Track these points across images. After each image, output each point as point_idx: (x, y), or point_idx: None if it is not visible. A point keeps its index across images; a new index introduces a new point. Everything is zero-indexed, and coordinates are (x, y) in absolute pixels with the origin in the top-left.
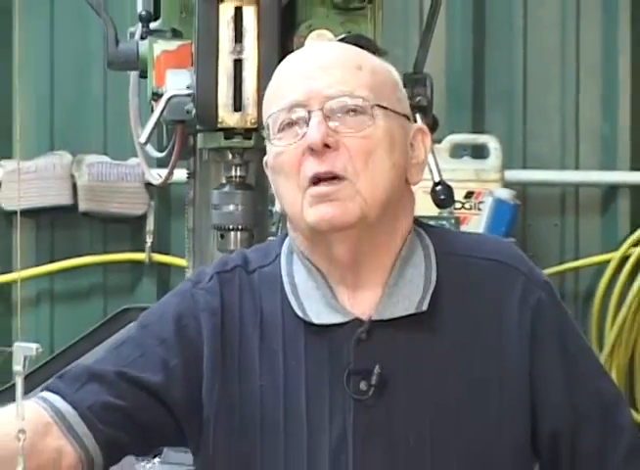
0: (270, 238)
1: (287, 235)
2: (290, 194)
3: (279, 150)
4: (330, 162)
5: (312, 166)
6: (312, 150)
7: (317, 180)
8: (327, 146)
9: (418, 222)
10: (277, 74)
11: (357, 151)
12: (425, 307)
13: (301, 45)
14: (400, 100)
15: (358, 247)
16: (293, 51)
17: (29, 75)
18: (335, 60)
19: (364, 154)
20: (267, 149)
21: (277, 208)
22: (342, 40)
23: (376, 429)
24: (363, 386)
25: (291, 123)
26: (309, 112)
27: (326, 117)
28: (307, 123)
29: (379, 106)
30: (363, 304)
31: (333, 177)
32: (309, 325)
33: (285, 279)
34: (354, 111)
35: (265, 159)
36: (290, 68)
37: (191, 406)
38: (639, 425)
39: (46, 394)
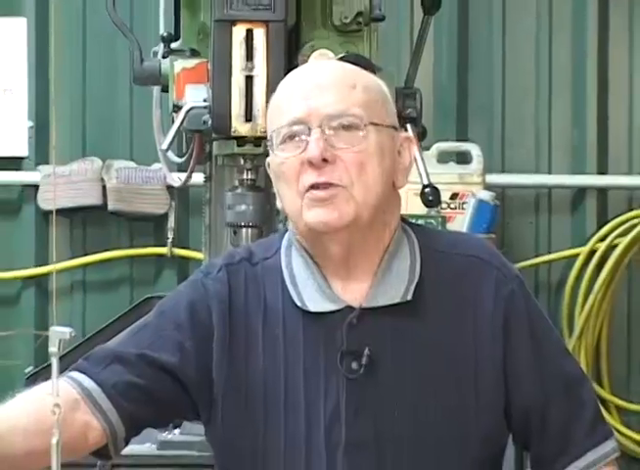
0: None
1: (287, 230)
2: (290, 197)
3: (281, 160)
4: (327, 174)
5: (311, 178)
6: (311, 163)
7: (316, 186)
8: (325, 160)
9: (405, 221)
10: (280, 91)
11: (352, 163)
12: (409, 297)
13: (305, 63)
14: (389, 112)
15: (350, 245)
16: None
17: (64, 90)
18: (331, 79)
19: (358, 165)
20: (270, 158)
21: (278, 205)
22: (341, 59)
23: (365, 403)
24: (354, 366)
25: (292, 136)
26: (309, 128)
27: (323, 134)
28: (307, 139)
29: (371, 123)
30: (354, 293)
31: (328, 185)
32: (306, 312)
33: (284, 271)
34: (349, 127)
35: (268, 160)
36: (291, 85)
37: (203, 384)
38: (603, 400)
39: (74, 373)
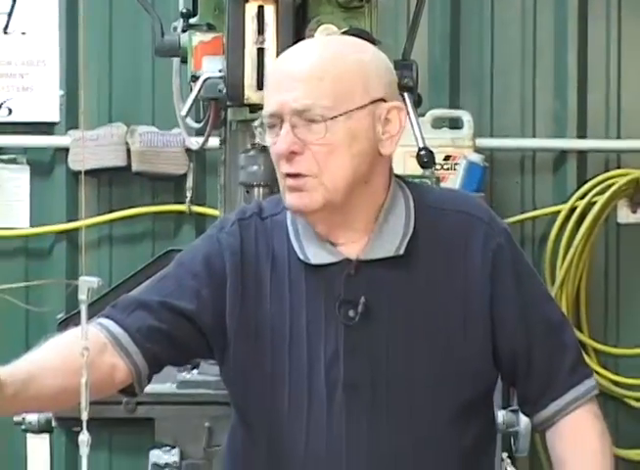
0: None
1: None
2: (278, 176)
3: (268, 143)
4: (296, 165)
5: (283, 168)
6: (281, 155)
7: (288, 175)
8: (293, 152)
9: (402, 179)
10: (267, 78)
11: (319, 153)
12: (402, 252)
13: (311, 37)
14: (370, 90)
15: (331, 222)
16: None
17: (92, 62)
18: (302, 72)
19: (325, 155)
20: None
21: None
22: (344, 33)
23: (361, 347)
24: (351, 313)
25: (271, 126)
26: (281, 121)
27: (293, 127)
28: (279, 132)
29: (340, 114)
30: (352, 247)
31: (299, 174)
32: (308, 264)
33: (289, 227)
34: (315, 121)
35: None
36: (272, 75)
37: (217, 327)
38: (582, 343)
39: (102, 320)
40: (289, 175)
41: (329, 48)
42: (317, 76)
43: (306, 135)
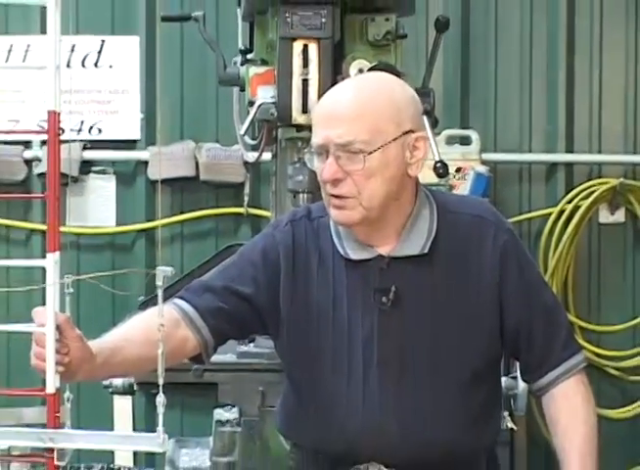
0: None
1: None
2: (322, 193)
3: (315, 166)
4: (339, 188)
5: (329, 190)
6: (327, 181)
7: (333, 195)
8: (338, 179)
9: (428, 189)
10: (315, 110)
11: (358, 179)
12: (426, 250)
13: (347, 70)
14: (401, 122)
15: (368, 231)
16: (342, 74)
17: (167, 90)
18: (345, 111)
19: (363, 181)
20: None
21: None
22: (373, 68)
23: (392, 328)
24: (384, 300)
25: (319, 154)
26: (327, 152)
27: (337, 159)
28: (325, 162)
29: (375, 149)
30: (385, 246)
31: (342, 196)
32: (348, 260)
33: (332, 228)
34: (356, 153)
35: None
36: (319, 112)
37: (272, 309)
38: (570, 322)
39: (177, 300)
40: (333, 195)
41: (364, 90)
42: (356, 116)
43: (348, 165)
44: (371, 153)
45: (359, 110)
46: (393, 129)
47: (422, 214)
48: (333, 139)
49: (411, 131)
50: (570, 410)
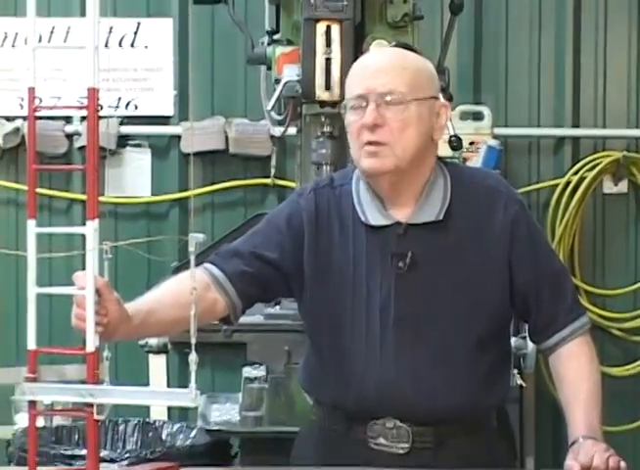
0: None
1: (356, 167)
2: (354, 148)
3: (349, 122)
4: (377, 135)
5: (367, 137)
6: (366, 126)
7: (369, 143)
8: (376, 125)
9: (442, 160)
10: (352, 71)
11: (395, 128)
12: (441, 217)
13: (367, 49)
14: (432, 86)
15: (394, 183)
16: (362, 52)
17: (199, 69)
18: (387, 64)
19: (399, 130)
20: (345, 115)
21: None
22: (394, 46)
23: (408, 290)
24: (401, 264)
25: (356, 107)
26: (367, 101)
27: (377, 106)
28: (365, 109)
29: (414, 99)
30: (402, 213)
31: (378, 143)
32: (368, 225)
33: (354, 195)
34: (395, 102)
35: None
36: (358, 68)
37: (296, 272)
38: (576, 286)
39: (207, 265)
40: (370, 143)
41: (402, 53)
42: (398, 70)
43: (387, 113)
44: (410, 102)
45: (401, 65)
46: (427, 89)
47: (437, 184)
48: (376, 88)
49: (436, 98)
50: (575, 368)
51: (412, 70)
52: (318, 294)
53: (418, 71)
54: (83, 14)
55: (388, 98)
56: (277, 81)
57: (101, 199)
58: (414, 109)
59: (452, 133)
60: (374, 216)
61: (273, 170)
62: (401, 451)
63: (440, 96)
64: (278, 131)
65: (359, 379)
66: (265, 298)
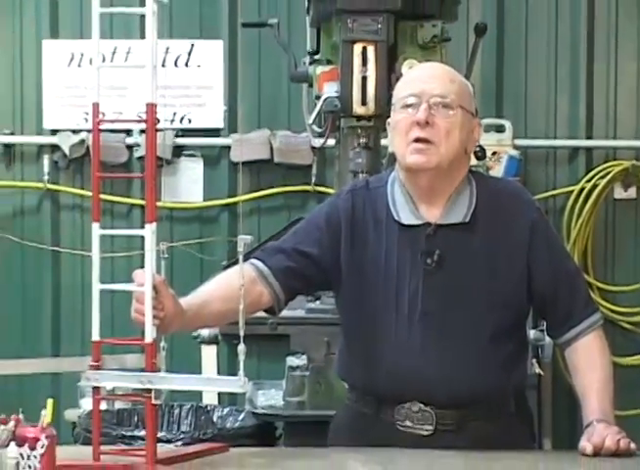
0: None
1: (391, 171)
2: (399, 144)
3: (399, 118)
4: (426, 132)
5: (417, 133)
6: (418, 123)
7: (417, 139)
8: (427, 122)
9: (470, 170)
10: (406, 76)
11: (443, 128)
12: (467, 219)
13: (400, 68)
14: (472, 103)
15: (432, 181)
16: (395, 71)
17: (246, 86)
18: (440, 73)
19: (447, 131)
20: (392, 116)
21: (390, 149)
22: None
23: (435, 286)
24: (429, 261)
25: (408, 105)
26: (421, 101)
27: (429, 106)
28: (418, 108)
29: (460, 106)
30: (432, 214)
31: (426, 140)
32: (401, 224)
33: (389, 196)
34: (445, 105)
35: (388, 121)
36: (414, 74)
37: (334, 267)
38: (590, 283)
39: (253, 261)
40: (418, 140)
41: (450, 69)
42: (450, 78)
43: (437, 114)
44: (457, 108)
45: (450, 77)
46: (469, 104)
47: (465, 189)
48: (430, 90)
49: (473, 115)
50: (589, 359)
51: (459, 83)
52: (353, 286)
53: (464, 87)
54: (142, 36)
55: (440, 100)
56: (318, 97)
57: (158, 204)
58: (460, 115)
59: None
60: (406, 216)
61: (313, 178)
62: (425, 433)
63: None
64: (318, 142)
65: (388, 366)
66: (306, 290)
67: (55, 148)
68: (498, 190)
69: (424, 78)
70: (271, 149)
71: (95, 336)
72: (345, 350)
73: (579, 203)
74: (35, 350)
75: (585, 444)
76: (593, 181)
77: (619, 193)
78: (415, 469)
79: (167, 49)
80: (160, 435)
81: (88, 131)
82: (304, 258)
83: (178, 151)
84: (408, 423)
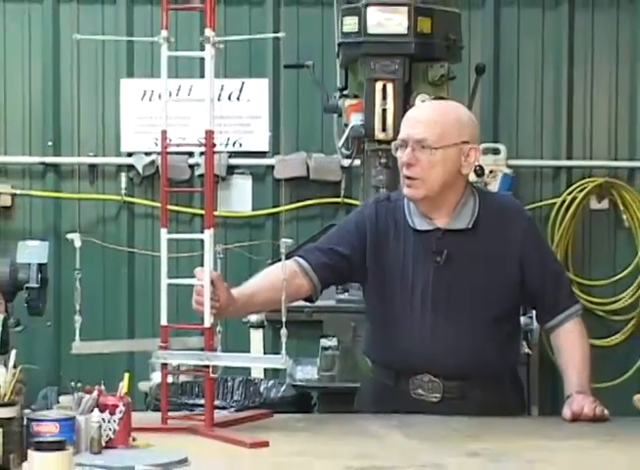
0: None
1: None
2: (400, 177)
3: (397, 156)
4: (411, 171)
5: (404, 171)
6: (404, 164)
7: (406, 176)
8: (410, 164)
9: (473, 185)
10: (405, 117)
11: (425, 167)
12: (470, 226)
13: (414, 101)
14: (461, 134)
15: (428, 206)
16: (409, 104)
17: (287, 115)
18: (424, 118)
19: (428, 168)
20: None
21: None
22: (434, 99)
23: (443, 280)
24: (438, 259)
25: (400, 146)
26: (406, 144)
27: (413, 149)
28: (405, 150)
29: (441, 146)
30: (441, 221)
31: (411, 178)
32: (415, 230)
33: (405, 208)
34: (426, 147)
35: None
36: (406, 118)
37: (361, 264)
38: (570, 279)
39: (295, 257)
40: (406, 177)
41: (438, 108)
42: (431, 122)
43: (419, 155)
44: (436, 149)
45: (432, 119)
46: (455, 138)
47: (469, 201)
48: (412, 136)
49: (467, 142)
50: (570, 341)
51: (442, 122)
52: (376, 280)
53: (451, 124)
54: (202, 75)
55: (421, 143)
56: (346, 125)
57: (215, 213)
58: (441, 153)
59: (477, 164)
60: (420, 223)
61: (342, 192)
62: (434, 400)
63: (473, 139)
64: (346, 162)
65: (404, 345)
66: (338, 282)
67: (130, 167)
68: (496, 202)
69: (412, 123)
70: (307, 168)
71: (163, 321)
72: (370, 332)
73: (561, 212)
74: (114, 333)
75: (567, 411)
76: (572, 194)
77: (594, 204)
78: (426, 431)
79: (222, 86)
80: (216, 403)
81: (158, 153)
82: (338, 256)
83: (231, 169)
84: (420, 391)
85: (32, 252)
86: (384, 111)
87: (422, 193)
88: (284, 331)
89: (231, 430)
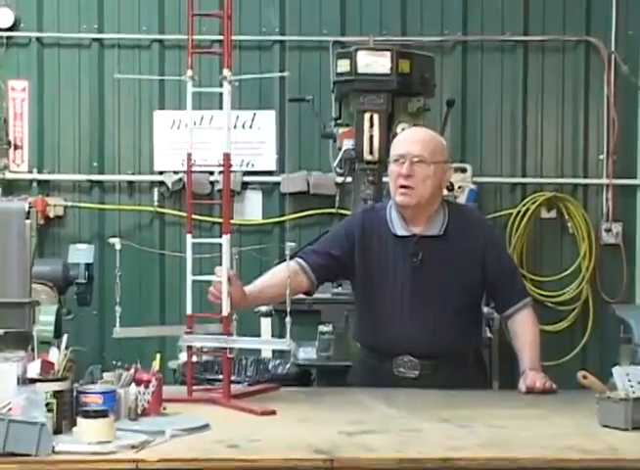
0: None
1: (389, 200)
2: (392, 186)
3: (392, 169)
4: (408, 181)
5: (402, 181)
6: (402, 175)
7: (402, 186)
8: (408, 175)
9: (443, 198)
10: (398, 138)
11: (420, 178)
12: (441, 233)
13: (395, 129)
14: (443, 154)
15: (414, 211)
16: (392, 131)
17: (292, 140)
18: (419, 138)
19: (422, 180)
20: (389, 166)
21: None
22: (413, 126)
23: (419, 277)
24: (415, 260)
25: (397, 160)
26: (405, 159)
27: (411, 163)
28: (403, 164)
29: (433, 162)
30: (417, 228)
31: (407, 187)
32: (396, 236)
33: (388, 216)
34: (421, 161)
35: (389, 169)
36: (403, 137)
37: (351, 265)
38: (524, 275)
39: (296, 258)
40: (403, 186)
41: (428, 132)
42: (426, 142)
43: (416, 168)
44: (430, 164)
45: (426, 139)
46: (441, 156)
47: (440, 212)
48: (412, 151)
49: (447, 162)
50: (524, 327)
51: (433, 143)
52: (363, 277)
53: (438, 144)
54: (220, 107)
55: (417, 159)
56: (339, 149)
57: (231, 221)
58: (432, 168)
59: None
60: (400, 230)
61: (337, 204)
62: (413, 376)
63: (449, 161)
64: (340, 179)
65: (388, 331)
66: (332, 279)
67: (162, 183)
68: (462, 212)
69: (408, 141)
70: (308, 184)
71: (189, 311)
72: (358, 320)
73: (517, 221)
74: (148, 320)
75: (522, 385)
76: (527, 206)
77: (545, 214)
78: (406, 401)
79: (237, 117)
80: (232, 378)
81: (184, 172)
82: (331, 257)
83: (245, 185)
84: (402, 369)
85: (81, 253)
86: (371, 137)
87: (415, 200)
88: (288, 319)
89: (245, 401)
